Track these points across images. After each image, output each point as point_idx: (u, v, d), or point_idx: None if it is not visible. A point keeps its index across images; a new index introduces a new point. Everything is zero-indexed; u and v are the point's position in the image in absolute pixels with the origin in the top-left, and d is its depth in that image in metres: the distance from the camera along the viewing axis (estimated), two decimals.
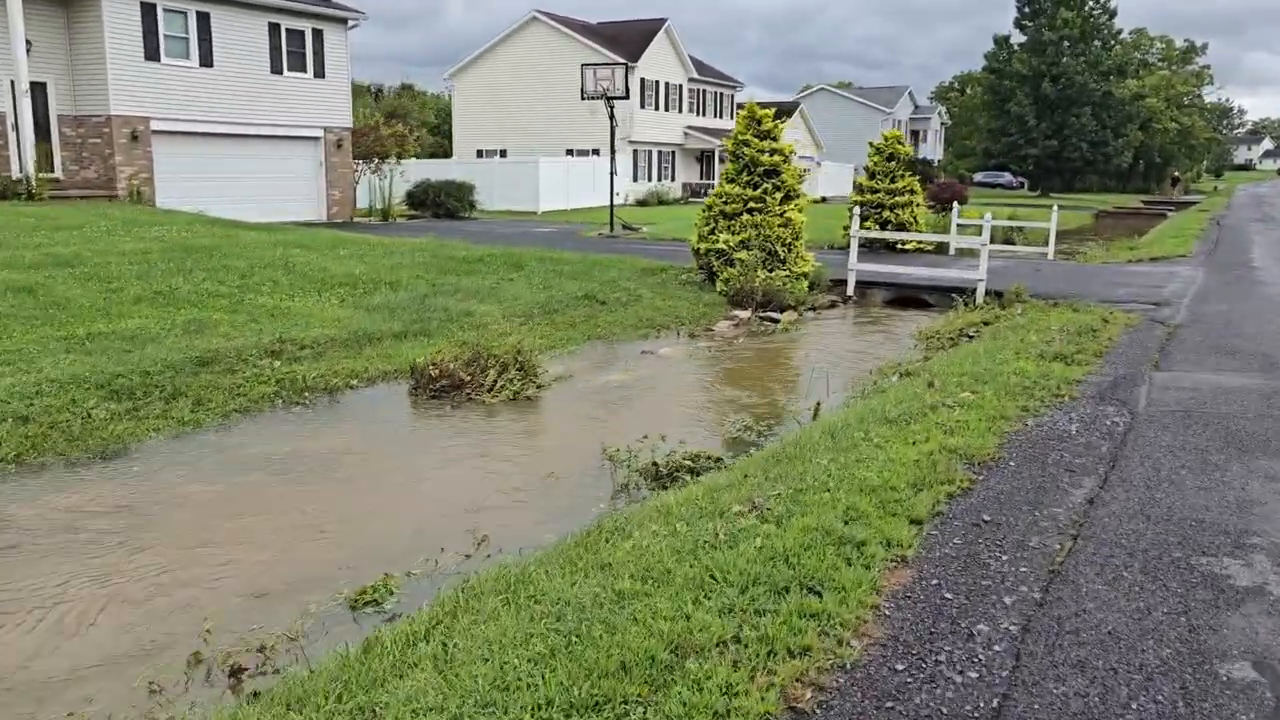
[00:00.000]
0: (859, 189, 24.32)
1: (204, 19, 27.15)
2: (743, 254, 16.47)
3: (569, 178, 44.07)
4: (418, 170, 40.67)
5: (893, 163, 23.83)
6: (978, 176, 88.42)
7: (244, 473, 7.53)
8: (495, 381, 9.56)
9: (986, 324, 13.96)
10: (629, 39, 50.11)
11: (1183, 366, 9.93)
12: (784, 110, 64.86)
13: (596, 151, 49.00)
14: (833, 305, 16.82)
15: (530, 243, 23.26)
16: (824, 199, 58.23)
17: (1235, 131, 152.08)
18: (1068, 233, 40.59)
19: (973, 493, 5.81)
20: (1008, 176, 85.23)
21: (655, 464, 7.27)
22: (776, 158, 16.84)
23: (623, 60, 26.36)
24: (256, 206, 29.07)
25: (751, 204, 16.72)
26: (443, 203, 34.05)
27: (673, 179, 52.75)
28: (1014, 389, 8.47)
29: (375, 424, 9.09)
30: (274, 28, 29.11)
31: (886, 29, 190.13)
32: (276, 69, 29.42)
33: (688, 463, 7.31)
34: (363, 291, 14.34)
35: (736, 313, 14.95)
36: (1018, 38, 71.26)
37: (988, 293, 16.20)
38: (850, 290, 17.37)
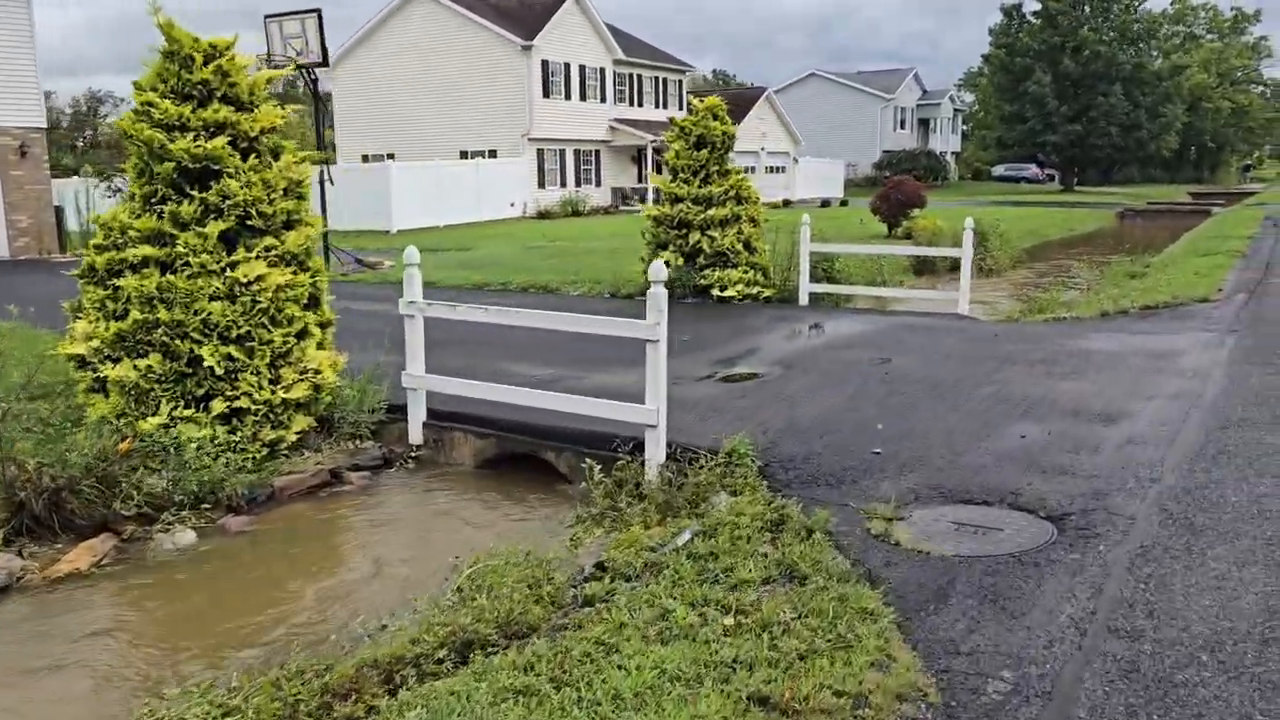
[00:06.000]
0: (656, 195, 14.68)
1: None
2: (121, 369, 7.06)
3: (441, 188, 34.77)
4: None
5: (704, 152, 14.13)
6: (998, 169, 77.72)
7: None
8: None
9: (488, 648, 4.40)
10: (531, 13, 40.78)
11: None
12: (746, 98, 54.82)
13: (494, 153, 39.79)
14: (326, 483, 7.26)
15: None
16: (786, 203, 48.25)
17: None
18: (1066, 243, 30.42)
19: None
20: (1033, 169, 74.42)
21: None
22: (216, 145, 7.29)
23: (316, 7, 16.87)
24: None
25: (148, 248, 7.25)
26: None
27: (596, 183, 43.21)
28: None
29: None
30: None
31: (924, 25, 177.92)
32: None
33: None
34: None
35: None
36: (1031, 5, 60.37)
37: (683, 450, 6.64)
38: (415, 435, 7.82)
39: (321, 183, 18.01)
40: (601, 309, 13.73)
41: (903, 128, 71.40)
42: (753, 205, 14.49)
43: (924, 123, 74.20)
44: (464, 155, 39.80)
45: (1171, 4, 78.72)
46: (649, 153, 44.18)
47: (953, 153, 78.59)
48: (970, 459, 6.38)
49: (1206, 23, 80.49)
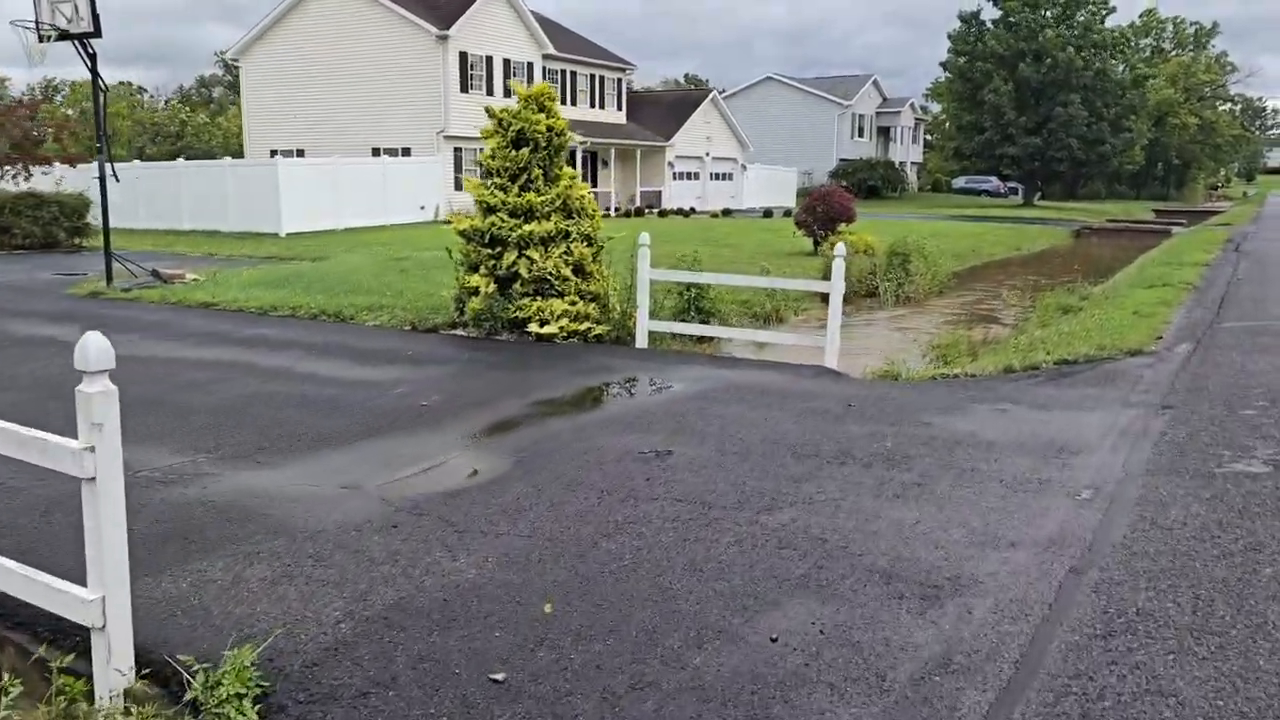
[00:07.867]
0: (476, 206, 11.78)
1: None
2: None
3: (341, 188, 31.71)
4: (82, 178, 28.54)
5: (524, 151, 11.26)
6: (958, 181, 75.55)
7: None
8: None
9: None
10: (449, 1, 37.77)
11: None
12: (691, 100, 51.93)
13: (407, 151, 36.82)
14: None
15: None
16: (726, 212, 45.59)
17: (1269, 132, 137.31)
18: (1009, 264, 27.84)
19: None
20: (994, 182, 72.21)
21: None
22: None
23: None
24: None
25: None
26: (8, 227, 21.91)
27: None
28: None
29: None
30: None
31: (901, 36, 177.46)
32: None
33: None
34: None
35: None
36: (991, 13, 57.91)
37: (167, 665, 3.70)
38: None
39: (101, 179, 14.98)
40: (394, 346, 10.86)
41: (861, 135, 68.93)
42: (588, 219, 11.62)
43: (884, 131, 71.79)
44: (376, 153, 36.74)
45: (1139, 16, 76.89)
46: (579, 154, 41.28)
47: (914, 163, 76.26)
48: (652, 700, 3.53)
49: (1173, 37, 78.69)
